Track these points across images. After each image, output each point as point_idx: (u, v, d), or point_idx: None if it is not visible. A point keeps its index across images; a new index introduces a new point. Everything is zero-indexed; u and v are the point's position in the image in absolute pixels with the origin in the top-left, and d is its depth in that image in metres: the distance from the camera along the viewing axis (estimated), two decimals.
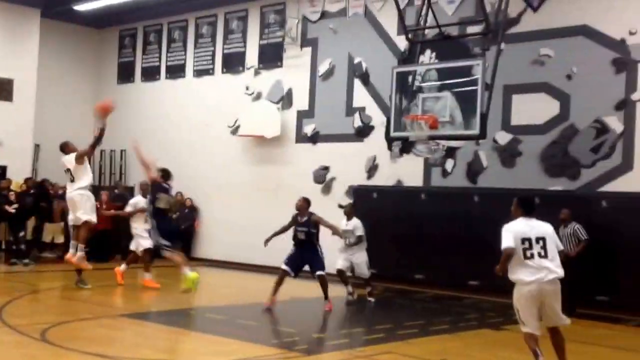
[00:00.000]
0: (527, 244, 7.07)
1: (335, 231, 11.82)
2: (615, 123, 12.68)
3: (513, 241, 7.07)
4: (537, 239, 7.11)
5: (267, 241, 11.55)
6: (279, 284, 11.50)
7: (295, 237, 11.66)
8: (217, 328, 9.93)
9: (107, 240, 17.09)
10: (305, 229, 11.53)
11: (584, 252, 11.69)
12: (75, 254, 11.70)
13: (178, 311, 11.07)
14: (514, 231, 7.15)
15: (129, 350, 8.35)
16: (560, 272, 7.09)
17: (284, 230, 11.80)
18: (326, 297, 11.56)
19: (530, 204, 7.44)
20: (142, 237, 13.19)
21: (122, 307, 10.99)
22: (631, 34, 12.55)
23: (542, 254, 7.06)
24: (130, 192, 19.85)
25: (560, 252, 7.29)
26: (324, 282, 11.49)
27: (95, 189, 19.20)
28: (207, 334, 9.54)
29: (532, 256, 7.05)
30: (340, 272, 12.57)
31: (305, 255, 11.56)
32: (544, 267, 7.03)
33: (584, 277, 12.28)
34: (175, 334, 9.54)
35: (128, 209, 13.78)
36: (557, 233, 10.32)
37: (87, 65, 21.89)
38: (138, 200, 13.67)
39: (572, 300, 10.82)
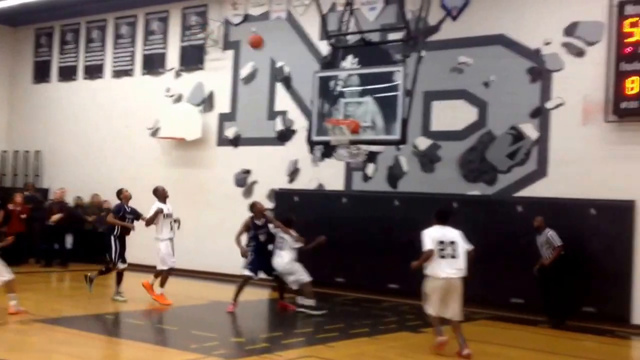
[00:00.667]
0: (442, 246, 8.82)
1: (288, 233, 12.04)
2: (531, 130, 13.06)
3: (432, 244, 8.83)
4: (450, 242, 8.87)
5: (244, 252, 11.85)
6: (241, 289, 11.77)
7: (256, 239, 11.89)
8: (136, 333, 9.70)
9: (21, 244, 16.46)
10: (266, 230, 11.98)
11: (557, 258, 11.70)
12: None
13: (95, 316, 10.76)
14: (432, 236, 8.90)
15: (40, 356, 8.05)
16: (464, 271, 8.85)
17: (241, 234, 12.00)
18: (282, 297, 12.07)
19: (445, 214, 9.20)
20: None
21: (36, 312, 10.59)
22: (546, 44, 12.96)
23: (453, 255, 8.82)
24: (43, 194, 19.25)
25: (468, 253, 8.99)
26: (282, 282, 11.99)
27: (8, 191, 18.64)
28: (124, 340, 9.30)
29: (445, 256, 8.79)
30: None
31: (265, 257, 11.93)
32: (454, 266, 8.81)
33: (500, 280, 12.66)
34: (91, 340, 9.26)
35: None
36: (536, 241, 11.73)
37: (0, 64, 21.11)
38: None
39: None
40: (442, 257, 8.78)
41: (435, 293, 8.88)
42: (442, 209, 9.37)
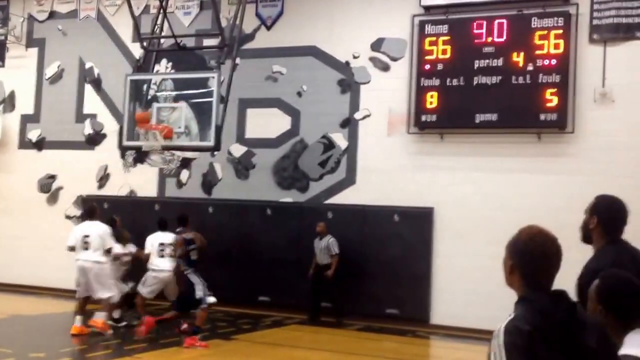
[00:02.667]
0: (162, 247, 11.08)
1: None
2: (341, 140, 13.57)
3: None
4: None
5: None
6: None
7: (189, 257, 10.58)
8: None
9: None
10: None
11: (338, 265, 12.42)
12: None
13: None
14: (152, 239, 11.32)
15: None
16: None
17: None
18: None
19: (164, 223, 11.44)
20: None
21: None
22: (354, 57, 13.53)
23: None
24: None
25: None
26: None
27: None
28: None
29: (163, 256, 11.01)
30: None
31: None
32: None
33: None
34: None
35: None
36: (312, 245, 12.41)
37: None
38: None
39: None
40: (162, 255, 11.04)
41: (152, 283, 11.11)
42: (161, 218, 11.64)
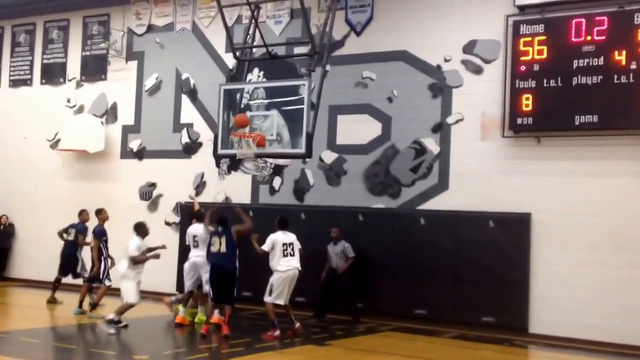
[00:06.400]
0: (285, 247, 11.09)
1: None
2: (432, 145, 13.38)
3: (271, 244, 11.14)
4: (289, 244, 11.18)
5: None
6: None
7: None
8: (32, 352, 9.33)
9: None
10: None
11: (352, 267, 12.88)
12: None
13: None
14: (274, 238, 11.19)
15: None
16: (299, 266, 11.17)
17: None
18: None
19: (284, 221, 11.43)
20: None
21: None
22: (446, 61, 13.33)
23: (292, 253, 11.11)
24: None
25: (299, 251, 11.25)
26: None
27: None
28: (20, 359, 8.92)
29: (286, 255, 11.07)
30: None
31: None
32: (292, 263, 11.11)
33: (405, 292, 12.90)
34: None
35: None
36: (327, 250, 12.82)
37: None
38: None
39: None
40: (285, 255, 11.07)
41: (280, 284, 11.06)
42: (282, 217, 11.58)
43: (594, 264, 11.76)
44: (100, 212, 13.10)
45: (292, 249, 11.20)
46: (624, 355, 11.09)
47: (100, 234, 12.85)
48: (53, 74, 17.97)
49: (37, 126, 17.90)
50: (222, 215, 11.52)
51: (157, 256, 11.44)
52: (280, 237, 11.22)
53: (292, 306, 11.45)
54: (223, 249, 11.06)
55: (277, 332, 10.94)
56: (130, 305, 11.16)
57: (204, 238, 11.58)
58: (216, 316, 11.32)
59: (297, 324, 11.25)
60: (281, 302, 11.13)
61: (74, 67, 17.69)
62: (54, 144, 17.59)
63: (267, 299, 11.12)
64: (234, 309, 11.30)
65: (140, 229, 11.55)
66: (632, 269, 11.48)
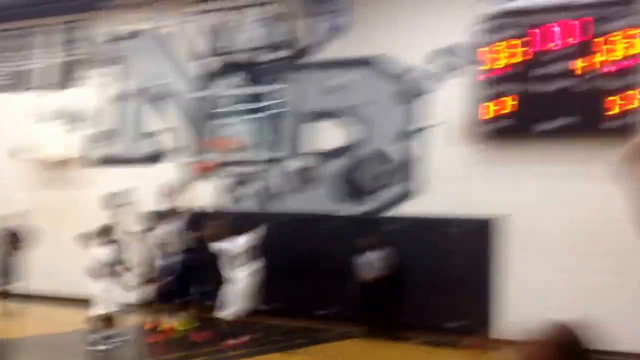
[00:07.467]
0: (236, 254, 11.00)
1: None
2: (402, 150, 13.37)
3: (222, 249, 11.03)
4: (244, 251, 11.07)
5: None
6: None
7: None
8: None
9: None
10: None
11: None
12: None
13: None
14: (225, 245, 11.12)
15: None
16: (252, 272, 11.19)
17: None
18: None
19: (241, 228, 11.28)
20: None
21: None
22: (413, 67, 13.34)
23: (244, 260, 11.07)
24: None
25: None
26: None
27: None
28: None
29: (238, 262, 11.04)
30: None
31: None
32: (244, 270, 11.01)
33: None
34: None
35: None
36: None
37: None
38: None
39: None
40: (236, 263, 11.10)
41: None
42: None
43: (560, 269, 11.79)
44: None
45: (245, 256, 11.16)
46: None
47: None
48: (21, 80, 17.74)
49: (1, 134, 17.64)
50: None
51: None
52: (232, 245, 11.23)
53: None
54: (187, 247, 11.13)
55: (231, 341, 10.84)
56: (102, 314, 10.79)
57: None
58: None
59: (245, 338, 11.09)
60: (243, 309, 11.05)
61: (41, 74, 17.48)
62: (19, 153, 17.33)
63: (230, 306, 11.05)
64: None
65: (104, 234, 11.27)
66: (602, 273, 11.52)
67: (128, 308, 11.73)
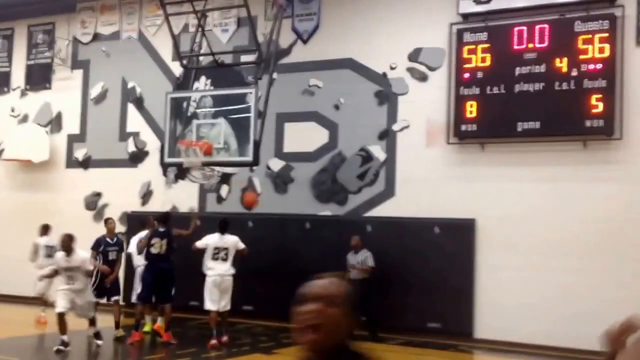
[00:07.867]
0: (217, 251, 11.07)
1: None
2: (379, 152, 13.44)
3: (204, 244, 11.14)
4: (224, 248, 11.10)
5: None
6: None
7: None
8: None
9: None
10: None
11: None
12: None
13: None
14: (208, 239, 11.21)
15: None
16: (229, 272, 11.12)
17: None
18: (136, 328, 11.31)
19: (224, 224, 11.37)
20: None
21: None
22: (392, 68, 13.41)
23: (223, 258, 11.09)
24: None
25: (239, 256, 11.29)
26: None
27: None
28: None
29: (216, 259, 11.05)
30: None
31: None
32: (219, 268, 11.01)
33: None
34: None
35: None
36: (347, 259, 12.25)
37: None
38: None
39: None
40: (216, 259, 11.06)
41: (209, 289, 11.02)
42: (223, 219, 11.56)
43: (538, 269, 11.90)
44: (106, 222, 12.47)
45: (226, 254, 11.14)
46: (567, 358, 11.24)
47: (96, 245, 12.05)
48: None
49: None
50: (164, 215, 11.51)
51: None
52: (214, 240, 11.20)
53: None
54: (163, 250, 11.11)
55: (214, 341, 10.87)
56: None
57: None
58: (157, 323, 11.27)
59: (224, 338, 11.12)
60: (213, 308, 11.01)
61: (18, 76, 17.38)
62: None
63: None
64: (177, 317, 11.17)
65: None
66: (576, 273, 11.64)
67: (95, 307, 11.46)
